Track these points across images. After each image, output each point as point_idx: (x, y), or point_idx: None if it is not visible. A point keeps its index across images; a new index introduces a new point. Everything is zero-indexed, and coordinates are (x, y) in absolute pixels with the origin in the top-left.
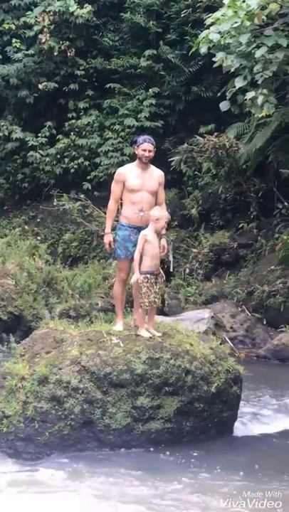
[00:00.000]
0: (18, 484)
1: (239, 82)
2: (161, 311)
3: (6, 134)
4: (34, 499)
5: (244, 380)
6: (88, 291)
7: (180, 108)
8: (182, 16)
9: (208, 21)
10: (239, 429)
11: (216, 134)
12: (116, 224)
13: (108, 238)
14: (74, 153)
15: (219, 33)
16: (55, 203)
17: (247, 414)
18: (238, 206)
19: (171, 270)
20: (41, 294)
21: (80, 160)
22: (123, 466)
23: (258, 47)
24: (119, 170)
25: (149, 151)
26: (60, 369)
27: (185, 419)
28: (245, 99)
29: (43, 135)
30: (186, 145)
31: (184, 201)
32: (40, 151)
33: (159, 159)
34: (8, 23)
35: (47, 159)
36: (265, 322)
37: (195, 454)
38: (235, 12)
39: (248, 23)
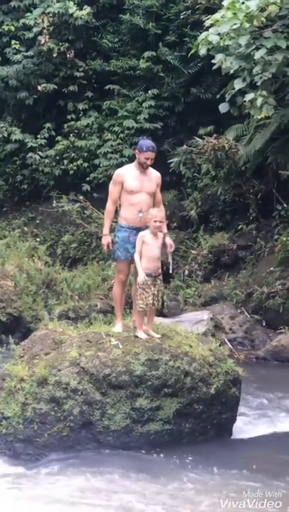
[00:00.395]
0: (17, 486)
1: (238, 84)
2: (160, 313)
3: (5, 135)
4: (33, 500)
5: (243, 381)
6: (87, 293)
7: (179, 110)
8: (181, 17)
9: (207, 23)
10: (238, 430)
11: (215, 135)
12: (114, 225)
13: (106, 239)
14: (73, 154)
15: (218, 34)
16: (54, 205)
17: (246, 415)
18: (237, 208)
19: (171, 272)
20: (40, 295)
21: (79, 161)
22: (122, 467)
23: (257, 49)
24: (118, 171)
25: (151, 160)
26: (60, 370)
27: (184, 421)
28: (245, 101)
29: (42, 136)
30: (185, 147)
31: (183, 203)
32: (40, 153)
33: (159, 161)
34: (7, 25)
35: (46, 161)
36: (264, 323)
37: (194, 456)
38: (235, 14)
39: (247, 25)
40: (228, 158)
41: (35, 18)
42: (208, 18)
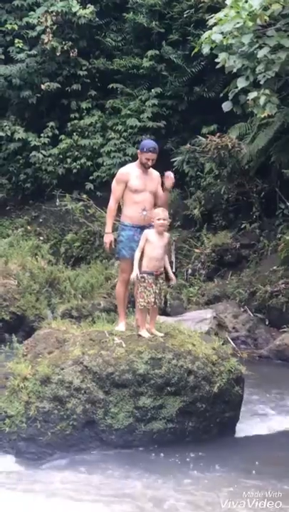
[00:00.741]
0: (20, 484)
1: (241, 83)
2: (163, 312)
3: (9, 134)
4: (36, 499)
5: (246, 380)
6: (91, 292)
7: (182, 108)
8: (185, 16)
9: (210, 22)
10: (241, 429)
11: (218, 134)
12: (117, 224)
13: (109, 238)
14: (76, 153)
15: (222, 33)
16: (57, 203)
17: (249, 414)
18: (240, 206)
19: (174, 271)
20: (44, 294)
21: (83, 160)
22: (125, 466)
23: (260, 47)
24: (122, 170)
25: (152, 160)
26: (63, 369)
27: (187, 420)
28: (248, 100)
29: (46, 135)
30: (188, 145)
31: (187, 202)
32: (43, 152)
33: (162, 159)
34: (10, 24)
35: (49, 159)
36: (267, 322)
37: (197, 455)
38: (238, 12)
39: (250, 24)
40: (232, 157)
41: (39, 17)
42: (211, 17)
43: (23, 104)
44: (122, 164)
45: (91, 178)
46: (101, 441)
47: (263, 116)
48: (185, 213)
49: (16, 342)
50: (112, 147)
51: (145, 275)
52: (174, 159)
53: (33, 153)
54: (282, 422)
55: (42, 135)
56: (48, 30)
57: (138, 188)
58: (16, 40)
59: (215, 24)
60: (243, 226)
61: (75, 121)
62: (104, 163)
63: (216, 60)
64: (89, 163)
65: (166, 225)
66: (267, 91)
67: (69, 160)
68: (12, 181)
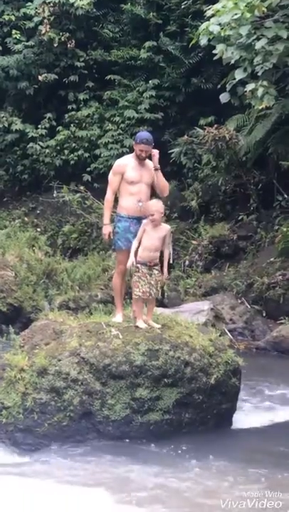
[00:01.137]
0: (17, 475)
1: (239, 74)
2: (160, 303)
3: (6, 125)
4: (32, 490)
5: (243, 371)
6: (88, 283)
7: (180, 100)
8: (182, 7)
9: (208, 13)
10: (238, 420)
11: (215, 125)
12: (114, 215)
13: (107, 229)
14: (74, 144)
15: (219, 24)
16: (54, 195)
17: (246, 405)
18: (237, 198)
19: (171, 262)
20: (41, 285)
21: (80, 152)
22: (122, 457)
23: (258, 39)
24: (118, 161)
25: (146, 152)
26: (60, 360)
27: (184, 411)
28: (246, 91)
29: (43, 127)
30: (186, 137)
31: (184, 193)
32: (40, 143)
33: (159, 151)
34: (8, 14)
35: (47, 151)
36: (264, 314)
37: (194, 446)
38: (236, 4)
39: (248, 15)
40: (229, 149)
41: (36, 8)
42: (209, 8)
43: (20, 95)
44: (120, 156)
45: (88, 169)
46: (98, 433)
47: (260, 107)
48: (182, 205)
49: (13, 333)
50: (110, 138)
51: (139, 265)
52: (171, 151)
53: (31, 144)
54: (279, 413)
55: (39, 126)
56: (45, 21)
57: (134, 179)
58: (14, 31)
59: (213, 15)
60: (240, 218)
61: (73, 113)
62: (102, 155)
63: (214, 52)
64: (86, 154)
65: (159, 219)
66: (265, 82)
67: (66, 151)
68: (9, 173)
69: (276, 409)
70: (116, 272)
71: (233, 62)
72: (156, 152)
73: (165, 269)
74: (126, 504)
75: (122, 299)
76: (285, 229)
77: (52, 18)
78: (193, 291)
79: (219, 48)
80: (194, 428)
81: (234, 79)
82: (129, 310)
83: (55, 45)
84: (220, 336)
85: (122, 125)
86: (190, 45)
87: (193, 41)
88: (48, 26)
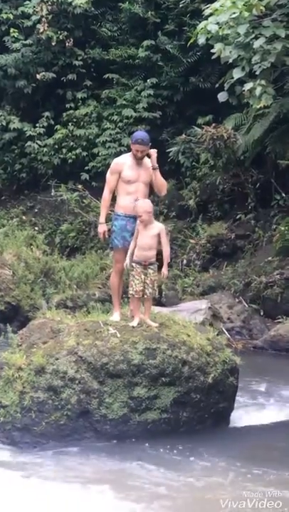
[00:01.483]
0: (14, 473)
1: (237, 73)
2: (158, 302)
3: (4, 124)
4: (30, 488)
5: (241, 370)
6: (85, 282)
7: (178, 99)
8: (181, 6)
9: (206, 12)
10: (236, 419)
11: (213, 124)
12: (111, 214)
13: (102, 228)
14: (72, 143)
15: (217, 23)
16: (52, 194)
17: (244, 404)
18: (235, 197)
19: (169, 261)
20: (38, 284)
21: (78, 150)
22: (119, 456)
23: (256, 38)
24: (116, 160)
25: (141, 152)
26: (57, 359)
27: (181, 410)
28: (244, 90)
29: (41, 125)
30: (184, 136)
31: (182, 192)
32: (38, 142)
33: (157, 150)
34: (6, 13)
35: (45, 149)
36: (262, 313)
37: (191, 445)
38: (234, 3)
39: (246, 14)
40: (227, 148)
41: (34, 6)
42: (207, 7)
43: (18, 93)
44: (118, 154)
45: (86, 168)
46: (95, 432)
47: (258, 106)
48: (180, 204)
49: (11, 332)
50: (108, 137)
51: (134, 264)
52: (169, 150)
53: (29, 143)
54: (276, 412)
55: (37, 125)
56: (43, 19)
57: (131, 178)
58: (12, 30)
59: (211, 14)
60: (238, 217)
61: (71, 112)
62: (100, 154)
63: (212, 51)
64: (84, 153)
65: (148, 219)
66: (263, 81)
67: (64, 150)
68: (7, 171)
69: (274, 408)
70: (113, 271)
71: (231, 61)
72: (154, 152)
73: (164, 269)
74: (125, 501)
75: (120, 298)
76: (283, 228)
77: (50, 17)
78: (191, 290)
79: (217, 47)
80: (192, 427)
81: (232, 78)
82: (127, 309)
83: (53, 43)
84: (217, 335)
85: (120, 124)
86: (188, 44)
87: (192, 40)
88: (46, 25)
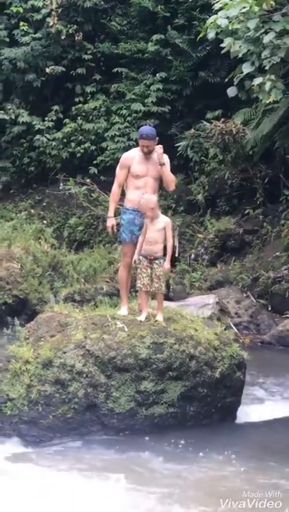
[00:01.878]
0: (21, 466)
1: (247, 68)
2: (166, 296)
3: (13, 117)
4: (36, 481)
5: (248, 365)
6: (93, 276)
7: (187, 93)
8: (190, 0)
9: (216, 6)
10: (242, 414)
11: (222, 119)
12: (120, 208)
13: (111, 222)
14: (80, 137)
15: (227, 18)
16: (61, 187)
17: (251, 399)
18: (244, 192)
19: (177, 255)
20: (46, 277)
21: (87, 144)
22: (125, 450)
23: (266, 32)
24: (125, 155)
25: (147, 147)
26: (65, 353)
27: (188, 404)
28: (253, 85)
29: (50, 119)
30: (192, 130)
31: (190, 187)
32: (47, 135)
33: (166, 144)
34: (16, 6)
35: (53, 143)
36: (269, 308)
37: (198, 439)
38: None
39: (256, 9)
40: (236, 143)
41: (44, 0)
42: (217, 2)
43: (27, 87)
44: (126, 149)
45: (95, 162)
46: (102, 425)
47: (268, 101)
48: (189, 198)
49: (19, 325)
50: (116, 131)
51: (141, 257)
52: (178, 144)
53: (37, 136)
54: (283, 407)
55: (46, 119)
56: (53, 13)
57: (139, 173)
58: (21, 23)
59: (221, 9)
60: (246, 212)
61: (80, 105)
62: (108, 148)
63: (222, 45)
64: (93, 147)
65: (152, 214)
66: (272, 76)
67: (73, 144)
68: (16, 165)
69: (280, 403)
70: (122, 265)
71: (240, 55)
72: (159, 148)
73: (166, 262)
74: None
75: (128, 292)
76: None
77: (60, 11)
78: (198, 284)
79: (227, 41)
80: (198, 421)
81: (242, 73)
82: (135, 303)
83: (63, 37)
84: (225, 329)
85: (129, 118)
86: (198, 39)
87: (201, 34)
88: (56, 18)
